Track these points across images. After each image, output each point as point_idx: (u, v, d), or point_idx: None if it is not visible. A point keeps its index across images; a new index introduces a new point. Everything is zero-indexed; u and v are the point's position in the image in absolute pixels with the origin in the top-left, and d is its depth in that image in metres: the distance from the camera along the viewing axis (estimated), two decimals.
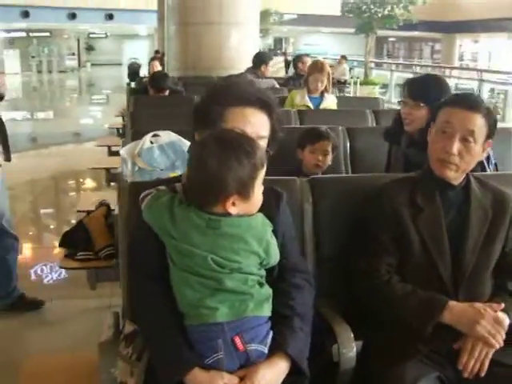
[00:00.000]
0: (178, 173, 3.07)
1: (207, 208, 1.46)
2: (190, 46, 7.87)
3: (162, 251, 1.51)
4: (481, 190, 1.85)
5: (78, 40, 35.95)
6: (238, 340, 1.42)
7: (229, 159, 1.42)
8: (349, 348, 1.66)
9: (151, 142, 3.17)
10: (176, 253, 1.48)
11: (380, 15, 18.78)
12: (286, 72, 12.30)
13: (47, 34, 31.12)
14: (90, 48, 37.43)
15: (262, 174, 1.48)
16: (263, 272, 1.53)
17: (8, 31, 29.89)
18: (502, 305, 1.68)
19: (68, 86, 25.90)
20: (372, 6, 18.77)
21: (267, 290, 1.53)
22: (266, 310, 1.50)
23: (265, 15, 20.17)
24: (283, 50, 28.25)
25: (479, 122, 1.76)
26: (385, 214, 1.81)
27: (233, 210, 1.45)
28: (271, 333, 1.48)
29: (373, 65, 20.26)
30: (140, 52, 30.49)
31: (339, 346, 1.65)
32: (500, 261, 1.82)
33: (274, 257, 1.55)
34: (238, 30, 7.78)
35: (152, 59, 8.53)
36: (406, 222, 1.78)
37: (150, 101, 5.39)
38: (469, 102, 1.80)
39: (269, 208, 1.61)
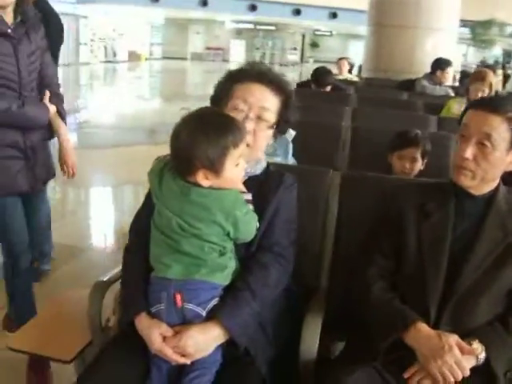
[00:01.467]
0: (276, 160, 3.15)
1: (184, 176, 1.53)
2: (384, 48, 7.82)
3: (152, 211, 1.63)
4: (510, 206, 1.64)
5: (303, 36, 37.31)
6: (178, 297, 1.49)
7: (198, 135, 1.48)
8: (309, 345, 1.61)
9: None
10: (156, 212, 1.60)
11: None
12: (504, 87, 11.50)
13: (273, 27, 32.76)
14: (314, 45, 38.54)
15: (234, 153, 1.51)
16: (228, 244, 1.56)
17: (237, 22, 32.11)
18: (473, 348, 1.49)
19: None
20: None
21: (226, 261, 1.56)
22: (218, 278, 1.54)
23: (488, 25, 18.93)
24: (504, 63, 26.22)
25: (499, 126, 1.56)
26: (390, 216, 1.71)
27: (204, 183, 1.51)
28: (216, 300, 1.52)
29: None
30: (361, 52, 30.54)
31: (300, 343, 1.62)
32: None
33: (246, 233, 1.58)
34: (434, 35, 7.56)
35: (340, 58, 8.57)
36: (409, 227, 1.66)
37: (307, 93, 5.48)
38: (491, 103, 1.61)
39: (267, 188, 1.70)
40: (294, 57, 35.62)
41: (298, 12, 26.36)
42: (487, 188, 1.64)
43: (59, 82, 2.66)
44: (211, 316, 1.51)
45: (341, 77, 7.92)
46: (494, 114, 1.57)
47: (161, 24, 33.48)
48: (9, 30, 2.30)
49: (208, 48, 34.61)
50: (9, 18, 2.33)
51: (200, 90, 18.75)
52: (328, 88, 5.50)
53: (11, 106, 2.30)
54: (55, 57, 3.02)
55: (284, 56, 34.20)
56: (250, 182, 1.69)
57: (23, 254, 2.53)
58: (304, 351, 1.60)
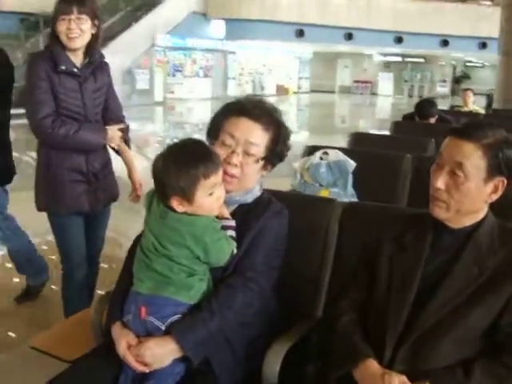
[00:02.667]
0: (333, 191, 3.20)
1: (162, 201, 1.67)
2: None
3: None
4: (494, 243, 1.54)
5: (454, 67, 36.06)
6: (143, 309, 1.64)
7: (171, 164, 1.62)
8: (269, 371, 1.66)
9: (321, 158, 3.35)
10: (143, 233, 1.76)
11: None
12: None
13: (421, 59, 32.08)
14: (465, 76, 37.07)
15: (205, 183, 1.61)
16: (199, 266, 1.66)
17: (384, 55, 31.88)
18: None
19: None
20: None
21: (193, 282, 1.66)
22: (183, 297, 1.64)
23: None
24: None
25: (472, 154, 1.49)
26: (369, 246, 1.71)
27: (178, 209, 1.64)
28: (178, 316, 1.63)
29: None
30: None
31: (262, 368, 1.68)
32: (489, 335, 1.50)
33: (217, 259, 1.67)
34: None
35: (465, 90, 8.29)
36: (383, 260, 1.64)
37: (408, 125, 5.40)
38: (465, 129, 1.54)
39: (252, 215, 1.79)
40: (444, 89, 34.51)
41: (445, 43, 25.62)
42: (468, 221, 1.57)
43: (123, 114, 2.97)
44: (169, 331, 1.61)
45: (466, 108, 7.66)
46: (467, 141, 1.50)
47: (309, 58, 34.24)
48: (75, 69, 2.66)
49: (356, 81, 34.73)
50: (78, 58, 2.70)
51: (348, 123, 18.90)
52: (432, 120, 5.37)
53: (69, 132, 2.62)
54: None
55: (433, 88, 33.30)
56: (239, 210, 1.81)
57: (79, 267, 2.83)
58: (265, 376, 1.66)
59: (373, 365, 1.50)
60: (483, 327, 1.49)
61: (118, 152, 2.90)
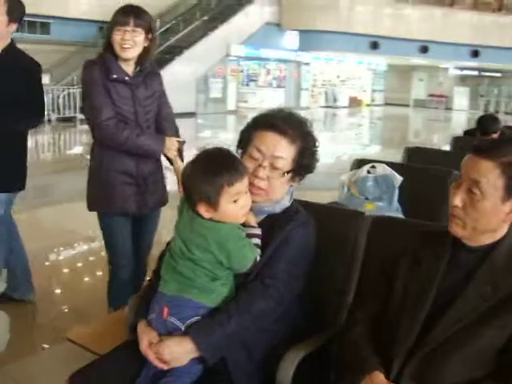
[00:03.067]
0: (378, 205, 3.20)
1: (192, 207, 1.75)
2: None
3: None
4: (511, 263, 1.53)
5: None
6: (165, 309, 1.72)
7: (197, 172, 1.70)
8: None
9: (368, 172, 3.35)
10: (174, 237, 1.84)
11: None
12: None
13: (499, 74, 31.00)
14: None
15: (230, 191, 1.68)
16: (222, 272, 1.73)
17: (461, 69, 31.03)
18: None
19: None
20: None
21: (215, 286, 1.73)
22: (204, 299, 1.72)
23: None
24: None
25: (490, 172, 1.48)
26: (388, 259, 1.72)
27: (205, 215, 1.72)
28: (197, 318, 1.70)
29: None
30: None
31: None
32: (501, 357, 1.47)
33: (239, 265, 1.74)
34: None
35: None
36: (400, 274, 1.66)
37: (468, 141, 5.29)
38: (485, 147, 1.53)
39: (278, 224, 1.84)
40: None
41: None
42: (486, 239, 1.57)
43: (176, 124, 3.11)
44: (187, 331, 1.69)
45: None
46: (486, 159, 1.50)
47: (383, 70, 33.81)
48: (126, 78, 2.80)
49: (431, 95, 33.98)
50: (130, 68, 2.85)
51: (421, 138, 18.55)
52: (494, 136, 5.23)
53: (132, 135, 2.76)
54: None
55: (510, 104, 32.11)
56: (268, 219, 1.87)
57: (124, 267, 2.96)
58: (278, 382, 1.71)
59: (379, 377, 1.51)
60: (494, 349, 1.48)
61: (171, 162, 3.02)
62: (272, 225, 1.85)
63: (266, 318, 1.77)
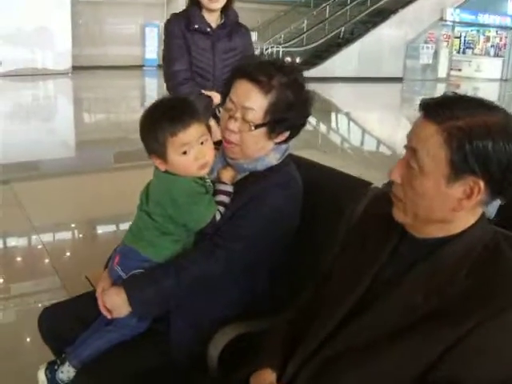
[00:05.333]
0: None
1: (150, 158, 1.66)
2: None
3: None
4: (462, 268, 1.12)
5: None
6: (116, 258, 1.68)
7: (143, 123, 1.60)
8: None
9: None
10: None
11: None
12: None
13: None
14: None
15: (174, 141, 1.54)
16: (176, 228, 1.62)
17: None
18: None
19: None
20: None
21: (163, 241, 1.63)
22: (149, 253, 1.63)
23: None
24: None
25: (429, 140, 1.10)
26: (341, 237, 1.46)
27: (160, 167, 1.61)
28: (139, 270, 1.62)
29: None
30: None
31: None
32: None
33: (191, 221, 1.61)
34: None
35: None
36: (343, 251, 1.38)
37: None
38: (433, 103, 1.13)
39: (257, 182, 1.65)
40: None
41: None
42: (435, 231, 1.17)
43: None
44: None
45: None
46: (428, 121, 1.11)
47: None
48: (208, 29, 2.77)
49: None
50: (214, 18, 2.81)
51: None
52: None
53: (191, 93, 2.72)
54: None
55: None
56: (250, 177, 1.69)
57: None
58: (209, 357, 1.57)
59: (266, 377, 1.29)
60: (403, 378, 1.11)
61: None
62: (251, 184, 1.66)
63: (210, 282, 1.61)
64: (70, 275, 3.29)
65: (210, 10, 2.80)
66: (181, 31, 2.81)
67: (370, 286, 1.24)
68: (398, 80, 18.62)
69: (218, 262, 1.58)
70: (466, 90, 19.34)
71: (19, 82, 13.92)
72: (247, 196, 1.63)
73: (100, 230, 4.56)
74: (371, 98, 14.86)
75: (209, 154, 1.60)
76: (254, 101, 1.58)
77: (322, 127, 10.91)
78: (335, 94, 15.45)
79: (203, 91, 2.81)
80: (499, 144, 1.06)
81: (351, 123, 11.62)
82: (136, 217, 1.69)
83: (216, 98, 2.76)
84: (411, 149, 1.14)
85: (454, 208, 1.13)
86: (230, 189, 1.65)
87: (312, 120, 11.44)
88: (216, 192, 1.64)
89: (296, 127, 1.67)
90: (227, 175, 1.67)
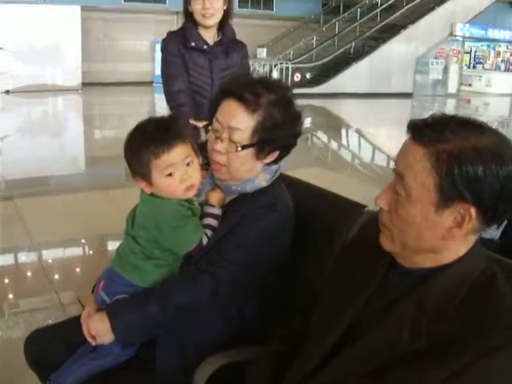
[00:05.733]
0: None
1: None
2: None
3: None
4: (452, 301, 1.03)
5: None
6: (102, 282, 1.63)
7: (127, 145, 1.54)
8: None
9: None
10: None
11: None
12: None
13: None
14: None
15: (158, 163, 1.49)
16: (161, 252, 1.57)
17: None
18: None
19: None
20: None
21: (148, 266, 1.57)
22: (134, 278, 1.58)
23: None
24: None
25: (416, 164, 1.03)
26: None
27: (145, 190, 1.56)
28: (123, 296, 1.56)
29: None
30: None
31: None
32: None
33: (175, 245, 1.56)
34: None
35: None
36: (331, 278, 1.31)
37: None
38: (421, 125, 1.06)
39: (244, 204, 1.59)
40: None
41: None
42: (424, 261, 1.10)
43: None
44: None
45: None
46: (416, 143, 1.05)
47: None
48: (205, 46, 2.73)
49: None
50: (210, 35, 2.78)
51: None
52: None
53: (188, 115, 2.68)
54: None
55: None
56: (239, 199, 1.63)
57: None
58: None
59: None
60: None
61: None
62: (239, 206, 1.61)
63: (196, 309, 1.54)
64: (69, 294, 3.26)
65: (206, 27, 2.78)
66: (178, 49, 2.78)
67: (356, 318, 1.17)
68: (408, 96, 18.53)
69: (204, 289, 1.52)
70: (476, 105, 19.30)
71: (29, 98, 14.03)
72: (234, 219, 1.57)
73: (104, 248, 4.53)
74: (381, 113, 14.79)
75: (195, 175, 1.55)
76: (240, 121, 1.53)
77: (332, 143, 10.86)
78: (345, 110, 15.42)
79: (191, 120, 2.71)
80: (491, 168, 1.00)
81: (361, 139, 11.55)
82: (123, 240, 1.64)
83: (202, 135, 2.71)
84: (398, 174, 1.08)
85: (443, 237, 1.06)
86: (218, 212, 1.60)
87: (322, 136, 11.43)
88: (204, 215, 1.59)
89: (286, 147, 1.61)
90: (215, 197, 1.62)
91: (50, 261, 4.04)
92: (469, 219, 1.03)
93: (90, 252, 4.42)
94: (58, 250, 4.34)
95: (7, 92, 14.63)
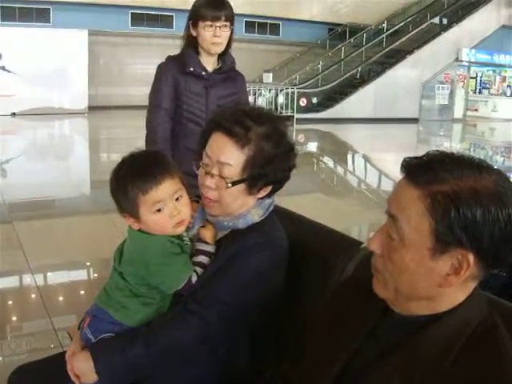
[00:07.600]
0: None
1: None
2: None
3: None
4: (448, 353, 0.95)
5: None
6: (87, 319, 1.56)
7: (113, 181, 1.48)
8: None
9: None
10: None
11: None
12: None
13: None
14: None
15: (146, 199, 1.43)
16: (148, 290, 1.50)
17: None
18: None
19: None
20: None
21: (133, 304, 1.51)
22: (120, 316, 1.51)
23: None
24: None
25: (410, 207, 0.97)
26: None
27: (134, 226, 1.50)
28: (109, 334, 1.49)
29: None
30: None
31: None
32: None
33: (162, 284, 1.49)
34: None
35: None
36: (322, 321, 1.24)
37: None
38: (416, 165, 1.01)
39: (236, 241, 1.52)
40: None
41: None
42: (418, 309, 1.03)
43: None
44: None
45: None
46: (409, 184, 0.99)
47: None
48: (203, 73, 2.68)
49: None
50: (211, 62, 2.71)
51: None
52: None
53: (163, 150, 2.59)
54: None
55: None
56: (231, 236, 1.56)
57: None
58: None
59: None
60: None
61: None
62: (231, 243, 1.54)
63: (183, 352, 1.47)
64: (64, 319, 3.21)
65: (210, 55, 2.72)
66: (172, 77, 2.71)
67: (346, 368, 1.10)
68: (414, 121, 18.52)
69: (192, 331, 1.45)
70: (482, 130, 19.26)
71: (35, 120, 14.08)
72: (225, 257, 1.50)
73: (107, 273, 4.44)
74: (387, 139, 14.75)
75: (184, 210, 1.49)
76: (229, 156, 1.47)
77: (338, 169, 10.81)
78: (351, 135, 15.38)
79: None
80: (490, 212, 0.93)
81: (367, 164, 11.49)
82: (109, 277, 1.58)
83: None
84: (391, 216, 1.02)
85: (440, 284, 0.99)
86: (211, 249, 1.53)
87: (327, 161, 11.39)
88: (196, 252, 1.53)
89: (278, 181, 1.55)
90: (208, 234, 1.55)
91: (46, 285, 3.98)
92: (467, 266, 0.96)
93: (93, 276, 4.36)
94: (56, 274, 4.28)
95: (13, 114, 14.69)
